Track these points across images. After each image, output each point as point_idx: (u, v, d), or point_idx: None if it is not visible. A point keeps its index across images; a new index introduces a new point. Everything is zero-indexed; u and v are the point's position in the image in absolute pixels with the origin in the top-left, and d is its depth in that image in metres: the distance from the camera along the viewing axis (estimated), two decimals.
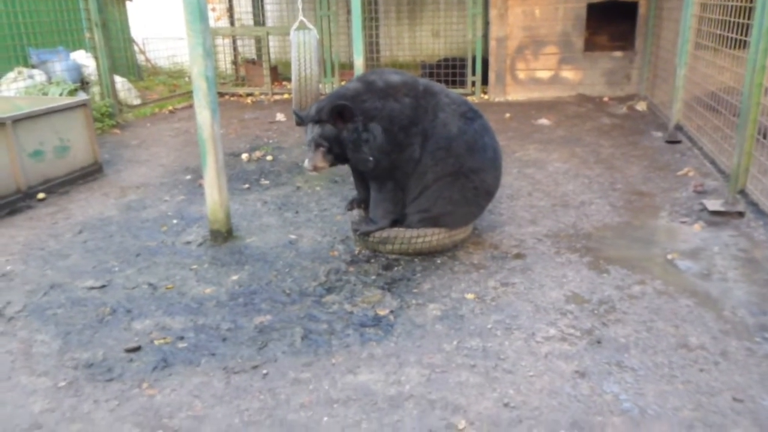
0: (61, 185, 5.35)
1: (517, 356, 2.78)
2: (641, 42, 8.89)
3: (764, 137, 4.33)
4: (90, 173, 5.70)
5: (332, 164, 3.74)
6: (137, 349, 2.90)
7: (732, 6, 5.04)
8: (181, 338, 2.99)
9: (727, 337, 2.89)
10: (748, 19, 4.60)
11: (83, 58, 8.74)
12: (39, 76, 8.16)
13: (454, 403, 2.47)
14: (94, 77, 8.43)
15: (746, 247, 3.84)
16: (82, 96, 7.52)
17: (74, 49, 8.84)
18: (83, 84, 8.51)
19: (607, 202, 4.73)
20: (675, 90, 6.56)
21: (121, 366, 2.78)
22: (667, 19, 7.73)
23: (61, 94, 7.48)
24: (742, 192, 4.47)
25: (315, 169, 3.67)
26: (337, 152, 3.66)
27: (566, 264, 3.71)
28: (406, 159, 3.68)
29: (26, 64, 8.44)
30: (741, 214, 4.29)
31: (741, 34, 4.84)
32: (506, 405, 2.45)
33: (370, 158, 3.60)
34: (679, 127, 6.56)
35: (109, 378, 2.69)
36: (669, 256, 3.76)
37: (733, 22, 4.99)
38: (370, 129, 3.56)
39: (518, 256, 3.84)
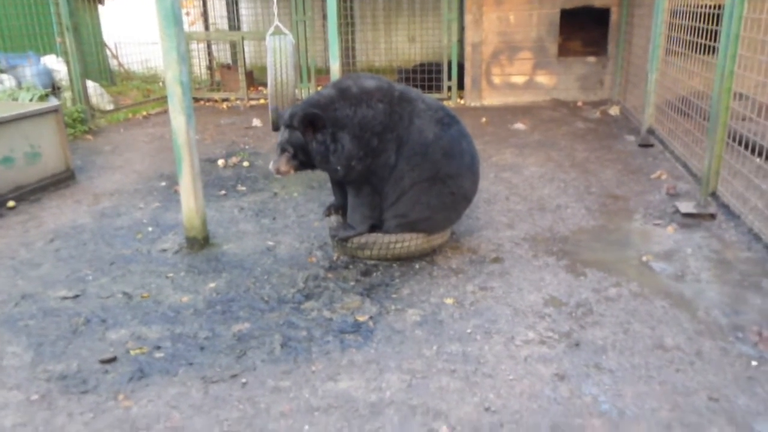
0: (32, 192, 5.25)
1: (497, 360, 2.79)
2: (613, 47, 9.03)
3: (734, 141, 4.43)
4: (62, 180, 5.60)
5: (297, 169, 3.77)
6: (112, 359, 2.85)
7: (700, 13, 5.15)
8: (158, 348, 2.94)
9: (702, 337, 2.94)
10: (717, 25, 4.70)
11: (54, 63, 8.59)
12: (8, 81, 7.99)
13: (435, 408, 2.47)
14: (65, 82, 8.28)
15: (718, 249, 3.91)
16: (53, 101, 7.37)
17: (45, 53, 8.67)
18: (54, 89, 8.36)
19: (583, 206, 4.79)
20: (647, 94, 6.67)
21: (96, 377, 2.72)
22: (638, 26, 7.87)
23: (31, 100, 7.33)
24: (714, 194, 4.56)
25: (278, 172, 3.73)
26: (302, 159, 3.71)
27: (543, 267, 3.74)
28: (381, 164, 3.68)
29: None
30: (713, 216, 4.37)
31: (710, 40, 4.94)
32: (487, 409, 2.46)
33: (338, 168, 3.63)
34: (651, 131, 6.68)
35: (84, 390, 2.64)
36: (644, 258, 3.82)
37: (702, 28, 5.10)
38: (337, 139, 3.57)
39: (496, 260, 3.86)
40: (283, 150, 3.71)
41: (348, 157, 3.60)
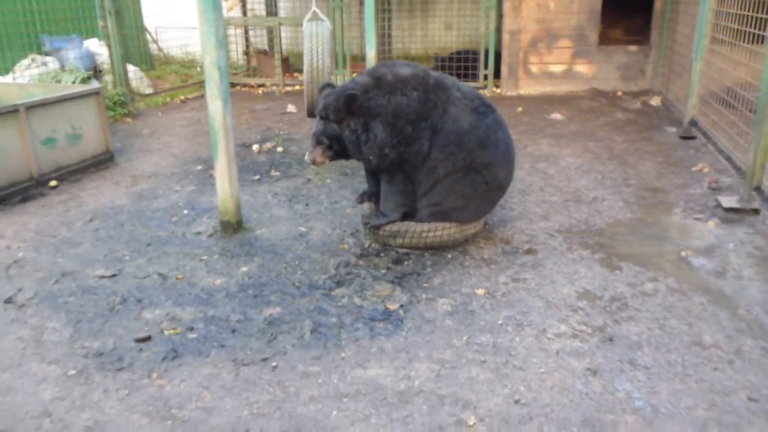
0: (73, 173, 5.37)
1: (528, 353, 2.76)
2: (657, 36, 8.78)
3: None
4: (102, 161, 5.72)
5: (332, 159, 3.85)
6: (147, 338, 2.91)
7: (750, 0, 4.96)
8: (191, 329, 2.99)
9: (742, 335, 2.85)
10: (766, 13, 4.52)
11: (96, 46, 8.75)
12: (52, 63, 8.19)
13: (464, 398, 2.46)
14: (106, 65, 8.44)
15: (761, 245, 3.79)
16: (94, 84, 7.53)
17: (88, 36, 8.85)
18: (96, 72, 8.53)
19: (620, 198, 4.69)
20: (690, 85, 6.47)
21: (131, 355, 2.78)
22: (684, 14, 7.63)
23: (74, 82, 7.49)
24: (758, 189, 4.41)
25: (314, 163, 3.81)
26: (337, 150, 3.76)
27: (578, 260, 3.67)
28: (414, 153, 3.66)
29: (40, 52, 8.46)
30: (756, 212, 4.23)
31: (759, 29, 4.76)
32: (517, 402, 2.43)
33: (370, 157, 3.64)
34: (693, 123, 6.48)
35: (119, 367, 2.70)
36: (682, 253, 3.72)
37: (751, 16, 4.91)
38: (369, 128, 3.58)
39: (529, 251, 3.80)
40: (318, 141, 3.74)
41: (381, 146, 3.59)
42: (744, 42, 5.12)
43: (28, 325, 3.05)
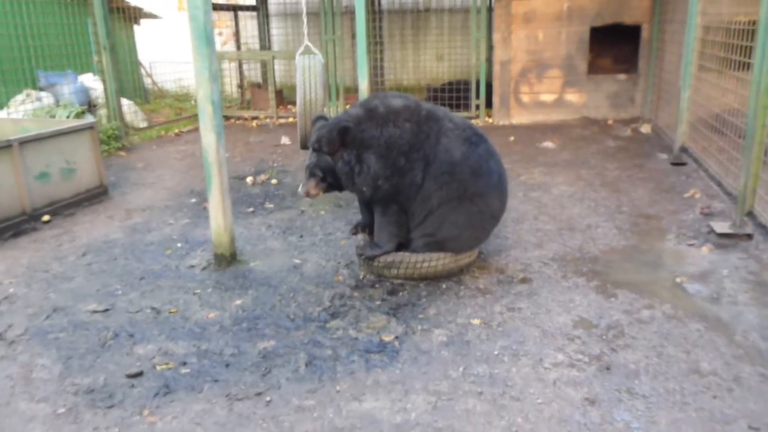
0: (67, 207, 5.36)
1: (525, 383, 2.73)
2: (645, 64, 8.92)
3: None
4: (95, 195, 5.71)
5: (326, 191, 3.86)
6: (139, 374, 2.86)
7: (735, 29, 5.06)
8: (184, 364, 2.95)
9: (740, 362, 2.83)
10: (751, 41, 4.61)
11: (91, 81, 8.82)
12: (47, 98, 8.23)
13: (461, 431, 2.42)
14: (101, 100, 8.49)
15: (756, 270, 3.79)
16: (89, 118, 7.55)
17: (82, 71, 8.91)
18: (90, 106, 8.57)
19: (614, 225, 4.70)
20: (679, 112, 6.55)
21: (122, 392, 2.74)
22: (670, 42, 7.77)
23: (68, 117, 7.52)
24: (750, 214, 4.43)
25: (308, 195, 3.81)
26: (331, 181, 3.77)
27: (573, 288, 3.66)
28: (407, 184, 3.67)
29: (35, 87, 8.51)
30: (749, 237, 4.25)
31: (744, 57, 4.84)
32: None
33: (364, 188, 3.65)
34: (684, 149, 6.55)
35: (110, 404, 2.65)
36: (677, 280, 3.72)
37: (737, 44, 5.00)
38: (363, 160, 3.60)
39: (524, 280, 3.80)
40: (312, 174, 3.75)
41: (374, 177, 3.60)
42: (730, 69, 5.20)
43: (18, 363, 3.00)
